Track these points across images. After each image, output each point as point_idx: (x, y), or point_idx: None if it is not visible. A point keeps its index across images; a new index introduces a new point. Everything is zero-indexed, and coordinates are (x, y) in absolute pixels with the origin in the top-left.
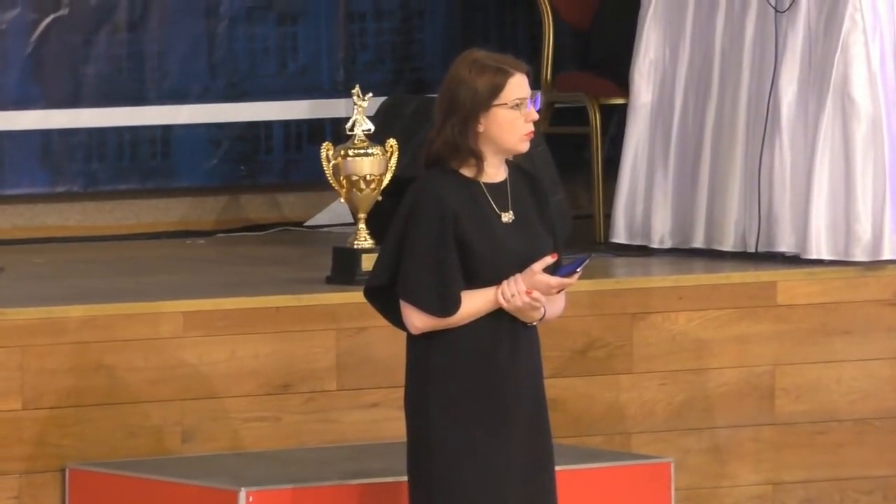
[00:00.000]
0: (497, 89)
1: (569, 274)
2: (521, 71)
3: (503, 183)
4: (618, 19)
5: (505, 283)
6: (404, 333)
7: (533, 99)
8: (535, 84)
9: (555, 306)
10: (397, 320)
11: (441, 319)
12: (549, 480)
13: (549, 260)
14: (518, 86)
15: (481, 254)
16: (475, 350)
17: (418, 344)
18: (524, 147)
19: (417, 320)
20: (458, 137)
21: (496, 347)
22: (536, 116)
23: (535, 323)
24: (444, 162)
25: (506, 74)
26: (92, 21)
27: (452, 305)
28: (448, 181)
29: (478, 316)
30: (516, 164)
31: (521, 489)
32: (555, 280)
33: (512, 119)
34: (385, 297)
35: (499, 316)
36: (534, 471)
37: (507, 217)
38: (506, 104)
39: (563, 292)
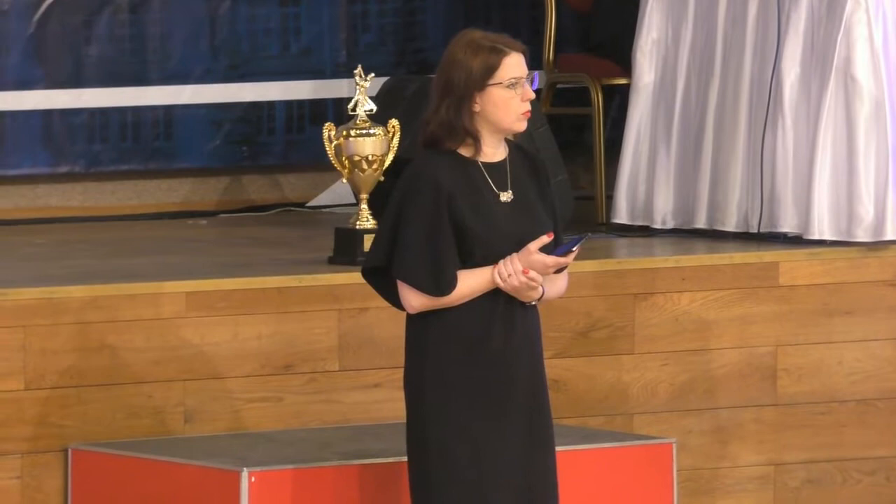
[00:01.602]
0: (492, 69)
1: (565, 253)
2: (516, 50)
3: (502, 162)
4: (619, 1)
5: (501, 262)
6: (405, 314)
7: (530, 78)
8: (536, 64)
9: (555, 286)
10: (395, 300)
11: (437, 299)
12: (549, 461)
13: (545, 239)
14: (513, 65)
15: (477, 233)
16: (471, 330)
17: (416, 324)
18: (521, 126)
19: (414, 300)
20: (453, 118)
21: (492, 328)
22: (533, 96)
23: (533, 303)
24: (441, 143)
25: (500, 54)
26: (94, 2)
27: (448, 285)
28: (444, 161)
29: (474, 295)
30: (517, 144)
31: (518, 470)
32: (551, 259)
33: (507, 98)
34: (382, 277)
35: (495, 296)
36: (532, 452)
37: (505, 196)
38: (501, 83)
39: (564, 272)
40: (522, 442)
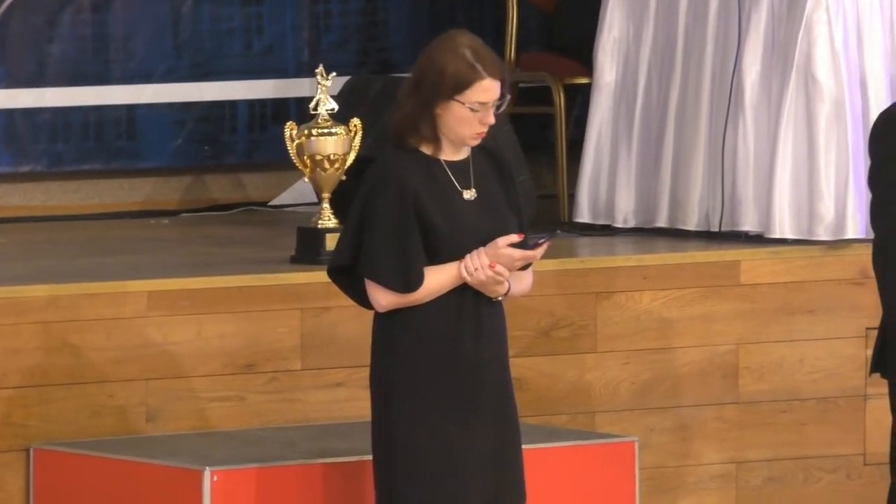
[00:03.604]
0: (461, 86)
1: (533, 248)
2: (493, 76)
3: (465, 161)
4: (582, 1)
5: (468, 256)
6: (370, 313)
7: (497, 105)
8: None
9: (521, 283)
10: (362, 299)
11: (405, 296)
12: (516, 459)
13: (514, 238)
14: (484, 90)
15: (442, 230)
16: (438, 328)
17: (382, 323)
18: (473, 143)
19: (381, 298)
20: (416, 116)
21: (459, 324)
22: (492, 121)
23: (499, 298)
24: (405, 136)
25: (475, 75)
26: (55, 1)
27: (415, 281)
28: (408, 159)
29: (442, 292)
30: (480, 144)
31: (486, 469)
32: (518, 253)
33: (466, 118)
34: (348, 277)
35: (462, 293)
36: (499, 449)
37: (468, 195)
38: (464, 103)
39: (530, 269)
40: (490, 439)
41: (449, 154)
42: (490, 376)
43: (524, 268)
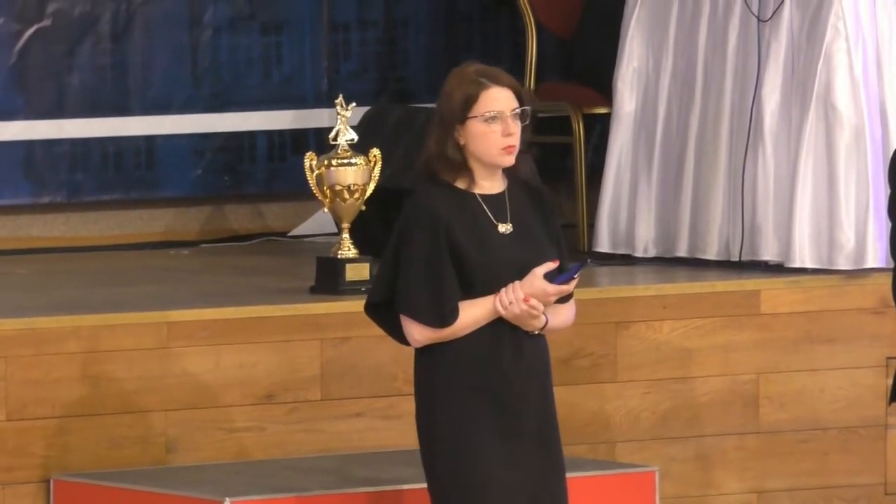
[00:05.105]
0: (470, 102)
1: (566, 281)
2: (501, 84)
3: (501, 195)
4: (601, 29)
5: (503, 290)
6: (390, 343)
7: (519, 115)
8: None
9: (560, 316)
10: (398, 334)
11: (440, 330)
12: (559, 488)
13: (550, 265)
14: (493, 99)
15: (476, 262)
16: (476, 362)
17: (422, 360)
18: (506, 161)
19: (417, 333)
20: (441, 150)
21: (497, 358)
22: (514, 130)
23: (537, 332)
24: (437, 174)
25: (480, 86)
26: (75, 31)
27: (450, 316)
28: (442, 194)
29: (477, 326)
30: (516, 176)
31: (529, 498)
32: (552, 287)
33: (485, 132)
34: (386, 312)
35: (498, 325)
36: (542, 479)
37: (504, 228)
38: (477, 117)
39: (571, 302)
40: (533, 470)
41: (484, 188)
42: (531, 406)
43: (564, 300)
